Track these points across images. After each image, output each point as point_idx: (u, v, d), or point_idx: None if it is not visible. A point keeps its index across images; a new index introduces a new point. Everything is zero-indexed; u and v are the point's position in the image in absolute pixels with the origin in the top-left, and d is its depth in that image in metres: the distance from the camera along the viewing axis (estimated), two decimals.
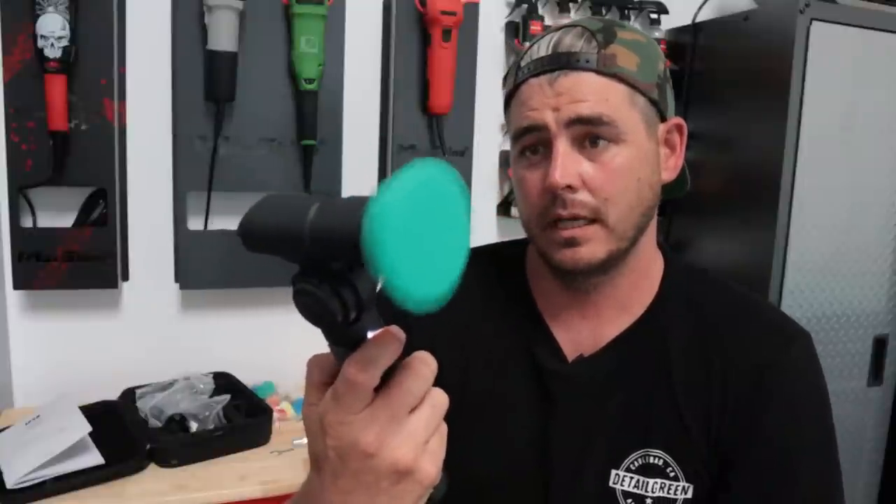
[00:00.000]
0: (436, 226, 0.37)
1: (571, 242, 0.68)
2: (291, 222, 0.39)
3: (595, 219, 0.67)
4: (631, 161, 0.67)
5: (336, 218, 0.37)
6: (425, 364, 0.42)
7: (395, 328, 0.41)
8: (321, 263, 0.40)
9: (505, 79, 0.75)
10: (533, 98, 0.68)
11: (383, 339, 0.41)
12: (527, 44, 0.73)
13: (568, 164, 0.66)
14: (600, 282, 0.73)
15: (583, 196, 0.66)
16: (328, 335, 0.43)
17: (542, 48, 0.68)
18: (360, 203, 0.36)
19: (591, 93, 0.66)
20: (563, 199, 0.66)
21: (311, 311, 0.41)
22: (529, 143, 0.69)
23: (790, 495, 0.67)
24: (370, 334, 0.42)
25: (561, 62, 0.67)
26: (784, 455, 0.68)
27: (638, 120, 0.68)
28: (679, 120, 0.74)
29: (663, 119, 0.72)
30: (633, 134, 0.68)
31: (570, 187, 0.66)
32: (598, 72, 0.66)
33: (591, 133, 0.66)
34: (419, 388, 0.42)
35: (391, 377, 0.42)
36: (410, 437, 0.41)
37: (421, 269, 0.36)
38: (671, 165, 0.74)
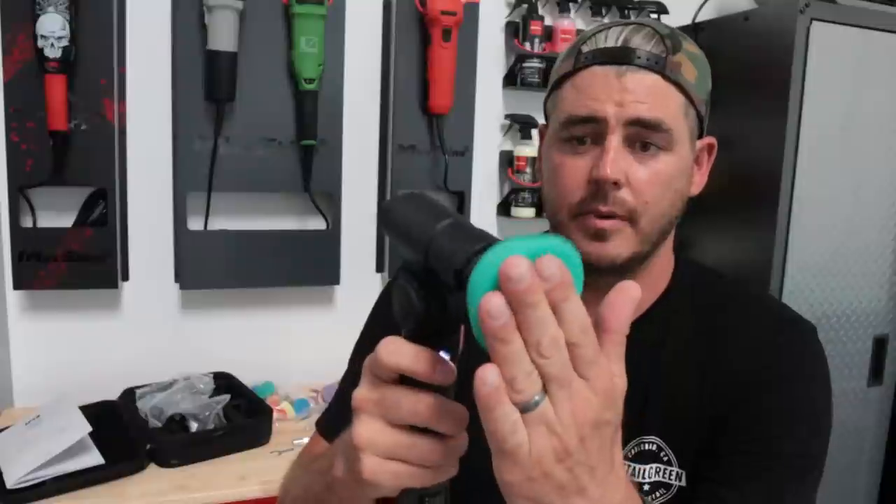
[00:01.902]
0: None
1: (601, 235, 0.68)
2: (423, 227, 0.42)
3: (628, 219, 0.68)
4: (674, 170, 0.69)
5: (458, 245, 0.39)
6: (449, 412, 0.43)
7: (447, 369, 0.43)
8: (430, 271, 0.42)
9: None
10: (596, 87, 0.67)
11: (428, 354, 0.43)
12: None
13: (618, 159, 0.66)
14: (616, 282, 0.73)
15: (625, 195, 0.67)
16: (406, 333, 0.45)
17: (611, 39, 0.68)
18: (483, 242, 0.38)
19: (654, 96, 0.66)
20: (605, 194, 0.67)
21: (401, 308, 0.44)
22: (581, 133, 0.68)
23: (769, 470, 0.68)
24: (442, 355, 0.44)
25: (629, 58, 0.66)
26: (772, 437, 0.69)
27: (686, 132, 0.69)
28: (713, 140, 0.76)
29: (701, 135, 0.73)
30: (681, 145, 0.69)
31: (616, 183, 0.66)
32: (663, 76, 0.67)
33: (644, 137, 0.67)
34: (414, 412, 0.43)
35: (418, 386, 0.44)
36: (376, 430, 0.44)
37: None
38: (696, 181, 0.75)
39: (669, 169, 0.68)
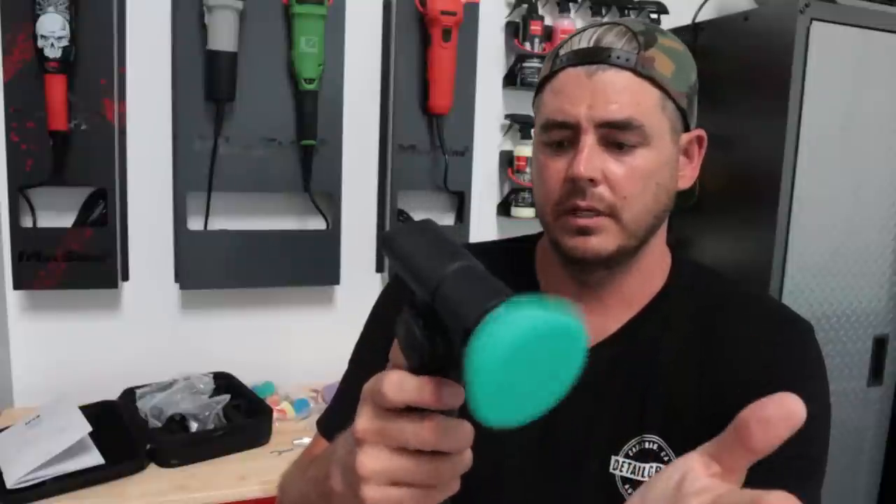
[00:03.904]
0: (542, 367, 0.37)
1: (584, 231, 0.69)
2: (430, 266, 0.41)
3: (610, 214, 0.68)
4: (652, 164, 0.69)
5: (466, 297, 0.38)
6: (453, 432, 0.43)
7: (455, 392, 0.43)
8: (436, 312, 0.41)
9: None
10: (569, 88, 0.68)
11: (432, 383, 0.42)
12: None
13: (593, 157, 0.67)
14: (607, 277, 0.74)
15: (602, 191, 0.68)
16: (411, 366, 0.44)
17: (584, 40, 0.69)
18: (491, 301, 0.36)
19: (625, 93, 0.67)
20: (582, 190, 0.68)
21: (406, 343, 0.43)
22: (559, 137, 0.70)
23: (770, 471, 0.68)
24: None
25: (601, 56, 0.68)
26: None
27: (665, 126, 0.70)
28: (701, 132, 0.76)
29: (687, 129, 0.74)
30: (659, 139, 0.69)
31: (592, 180, 0.67)
32: (635, 72, 0.67)
33: (616, 137, 0.68)
34: (420, 438, 0.43)
35: (422, 411, 0.43)
36: (379, 460, 0.44)
37: (509, 401, 0.36)
38: (687, 174, 0.76)
39: (648, 164, 0.69)
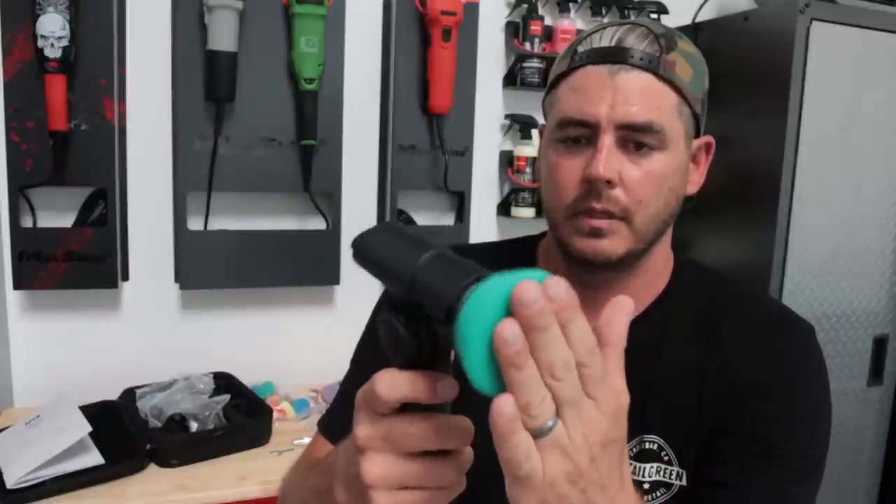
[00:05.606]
0: None
1: (596, 233, 0.68)
2: (403, 261, 0.42)
3: (623, 217, 0.68)
4: (667, 169, 0.69)
5: (444, 278, 0.39)
6: (455, 428, 0.43)
7: (448, 384, 0.43)
8: (415, 305, 0.41)
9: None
10: (590, 87, 0.68)
11: (426, 377, 0.42)
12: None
13: (611, 159, 0.66)
14: (613, 279, 0.74)
15: (618, 193, 0.67)
16: (398, 364, 0.44)
17: (605, 39, 0.68)
18: (471, 275, 0.37)
19: (647, 96, 0.66)
20: (598, 192, 0.67)
21: (389, 343, 0.43)
22: (575, 134, 0.69)
23: (770, 478, 0.68)
24: None
25: (623, 56, 0.67)
26: (775, 439, 0.69)
27: (681, 130, 0.70)
28: (710, 139, 0.76)
29: (697, 134, 0.73)
30: (675, 144, 0.69)
31: (609, 182, 0.66)
32: (657, 75, 0.67)
33: (636, 139, 0.67)
34: (423, 438, 0.43)
35: (421, 410, 0.43)
36: (384, 465, 0.43)
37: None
38: (694, 180, 0.76)
39: (663, 168, 0.68)
